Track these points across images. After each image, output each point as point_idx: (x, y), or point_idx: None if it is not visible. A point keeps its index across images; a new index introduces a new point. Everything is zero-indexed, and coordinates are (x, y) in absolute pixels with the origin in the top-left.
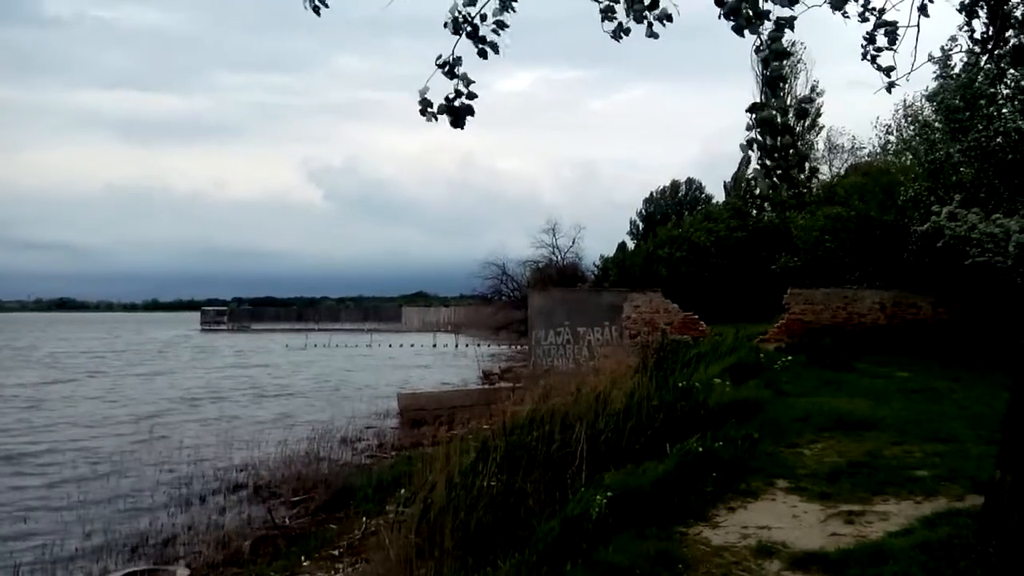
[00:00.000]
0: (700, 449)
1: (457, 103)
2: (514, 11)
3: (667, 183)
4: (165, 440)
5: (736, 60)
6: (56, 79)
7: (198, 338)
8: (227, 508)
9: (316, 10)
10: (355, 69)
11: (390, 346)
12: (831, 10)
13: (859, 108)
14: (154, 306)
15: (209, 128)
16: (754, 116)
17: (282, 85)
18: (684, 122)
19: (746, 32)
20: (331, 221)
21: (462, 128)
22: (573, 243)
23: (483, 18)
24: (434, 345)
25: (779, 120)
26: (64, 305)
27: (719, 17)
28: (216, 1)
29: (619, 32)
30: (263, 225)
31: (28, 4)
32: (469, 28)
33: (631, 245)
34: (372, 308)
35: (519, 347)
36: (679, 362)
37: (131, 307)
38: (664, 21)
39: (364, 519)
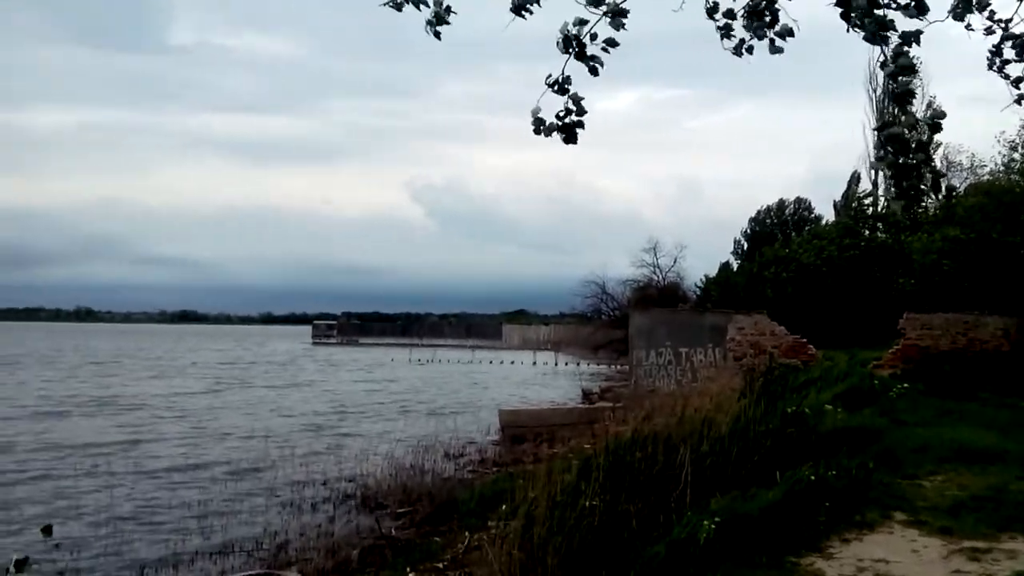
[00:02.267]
0: (812, 477)
1: (568, 120)
2: (625, 29)
3: (772, 202)
4: (285, 447)
5: (842, 76)
6: (179, 104)
7: (316, 351)
8: (336, 517)
9: (437, 35)
10: (457, 92)
11: (491, 363)
12: (953, 20)
13: (976, 125)
14: (269, 319)
15: (319, 149)
16: (882, 134)
17: (388, 108)
18: (789, 140)
19: (853, 43)
20: (434, 239)
21: (575, 143)
22: (674, 262)
23: (593, 37)
24: (534, 363)
25: (909, 137)
26: (186, 317)
27: (848, 30)
28: (328, 29)
29: (740, 48)
30: (370, 242)
31: (155, 34)
32: (578, 47)
33: (735, 265)
34: (474, 324)
35: (619, 366)
36: (788, 387)
37: (247, 319)
38: (786, 37)
39: (467, 533)
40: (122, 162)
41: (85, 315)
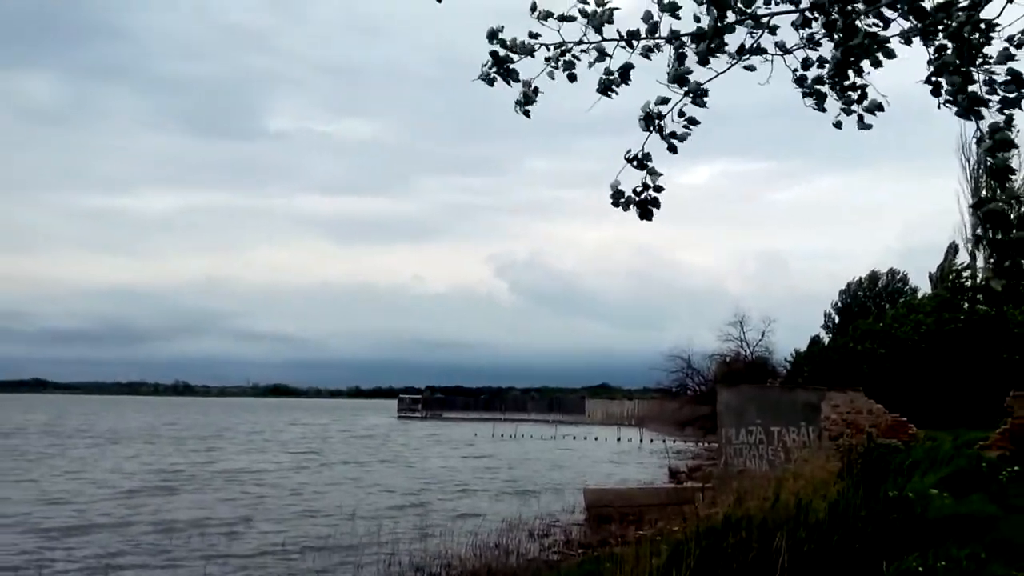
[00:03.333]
0: (920, 568)
1: (645, 195)
2: (706, 106)
3: (863, 274)
4: (373, 524)
5: (933, 143)
6: (278, 186)
7: (402, 426)
8: None
9: (527, 113)
10: (540, 168)
11: (574, 438)
12: None
13: None
14: (356, 392)
15: (409, 227)
16: (980, 211)
17: (474, 186)
18: (877, 210)
19: (944, 111)
20: (516, 313)
21: (650, 219)
22: (762, 336)
23: (680, 115)
24: (618, 439)
25: (1009, 213)
26: (277, 390)
27: (939, 107)
28: (419, 113)
29: (821, 105)
30: (454, 317)
31: (257, 121)
32: (659, 124)
33: (826, 339)
34: (556, 399)
35: (707, 444)
36: (889, 469)
37: (336, 393)
38: (875, 112)
39: None
40: (223, 242)
41: (183, 389)
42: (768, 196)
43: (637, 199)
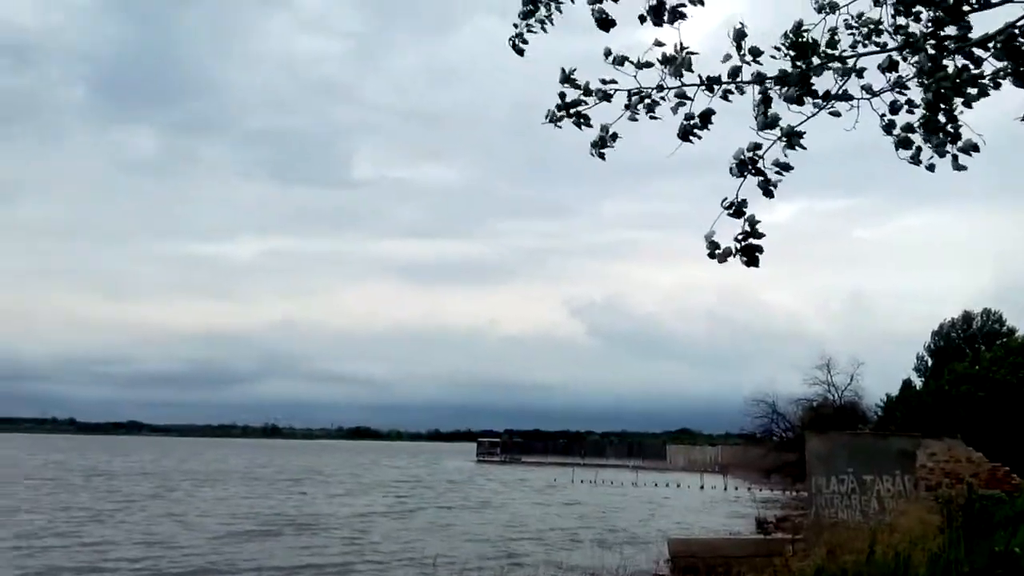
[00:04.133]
0: None
1: (747, 243)
2: (803, 147)
3: (957, 314)
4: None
5: None
6: (360, 231)
7: (482, 470)
8: None
9: (602, 156)
10: (615, 209)
11: (655, 485)
12: None
13: None
14: (436, 436)
15: (485, 270)
16: None
17: (549, 228)
18: (970, 248)
19: None
20: (594, 356)
21: (756, 267)
22: (851, 380)
23: (776, 164)
24: (701, 486)
25: None
26: (359, 433)
27: None
28: (495, 158)
29: (918, 157)
30: (531, 360)
31: (340, 169)
32: (753, 169)
33: (918, 383)
34: (636, 444)
35: (795, 493)
36: (992, 523)
37: (416, 436)
38: (971, 152)
39: None
40: (307, 285)
41: (271, 431)
42: (852, 234)
43: (739, 247)
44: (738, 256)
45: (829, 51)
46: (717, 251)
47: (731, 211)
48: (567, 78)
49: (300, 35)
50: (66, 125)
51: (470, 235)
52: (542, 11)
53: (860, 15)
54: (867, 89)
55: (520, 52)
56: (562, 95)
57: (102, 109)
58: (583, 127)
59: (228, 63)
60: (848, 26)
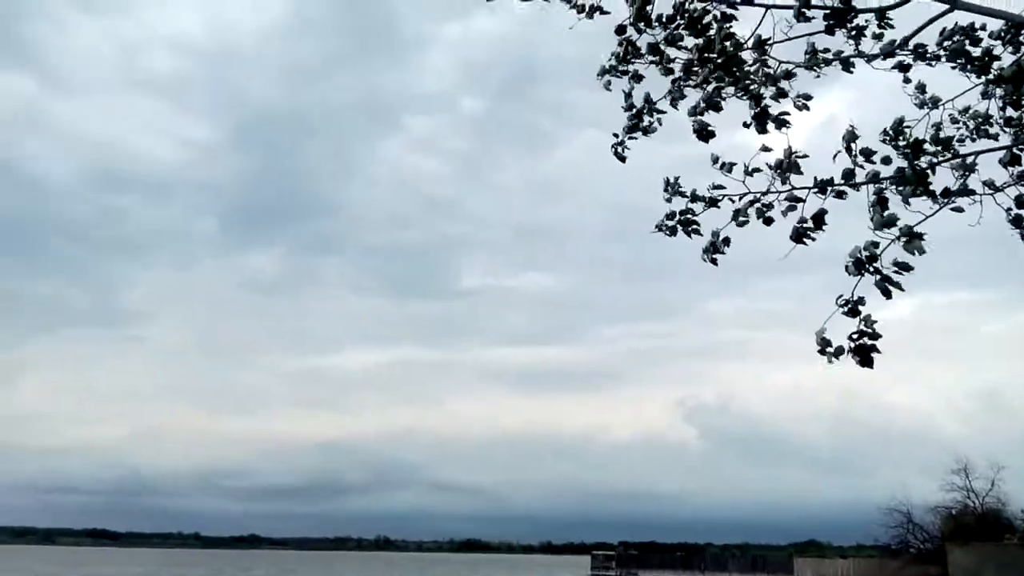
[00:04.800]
0: None
1: (863, 342)
2: (922, 251)
3: None
4: None
5: None
6: (470, 340)
7: None
8: None
9: (714, 261)
10: (722, 311)
11: None
12: None
13: None
14: (548, 548)
15: (592, 376)
16: None
17: (656, 331)
18: None
19: None
20: (708, 462)
21: (870, 367)
22: (992, 486)
23: (899, 265)
24: None
25: None
26: (470, 545)
27: None
28: (597, 263)
29: None
30: (643, 467)
31: (447, 282)
32: (871, 269)
33: None
34: (760, 557)
35: None
36: None
37: (528, 548)
38: None
39: None
40: (418, 395)
41: (384, 544)
42: (980, 328)
43: (854, 346)
44: (851, 355)
45: (936, 147)
46: (828, 349)
47: (847, 310)
48: (673, 188)
49: (412, 156)
50: (198, 251)
51: (577, 341)
52: (645, 121)
53: (966, 109)
54: (990, 184)
55: (622, 159)
56: (672, 215)
57: (231, 235)
58: (692, 236)
59: (346, 185)
60: (954, 120)
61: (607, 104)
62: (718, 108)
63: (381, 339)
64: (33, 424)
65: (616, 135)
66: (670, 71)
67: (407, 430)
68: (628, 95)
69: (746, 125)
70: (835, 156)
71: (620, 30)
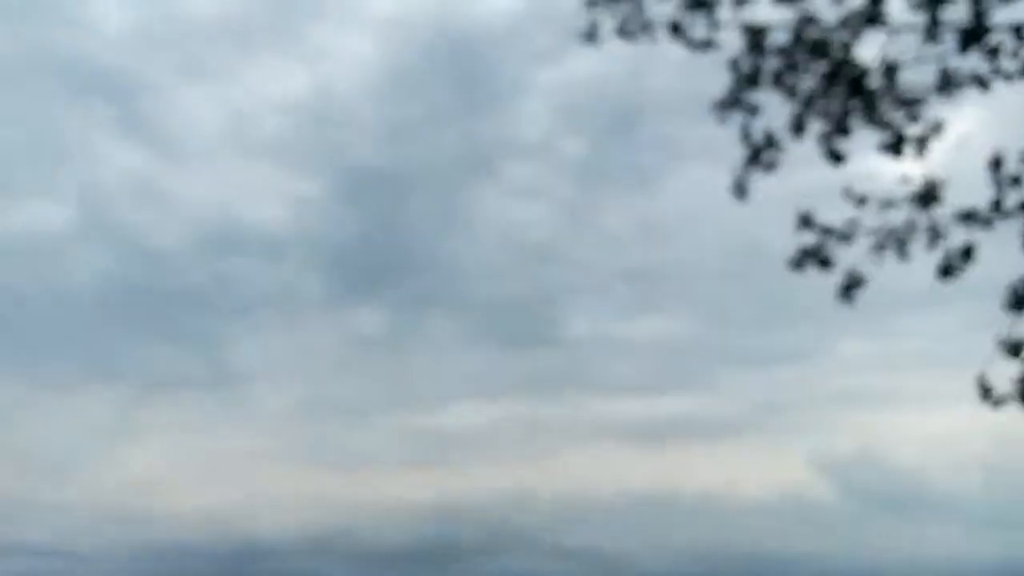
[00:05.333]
0: None
1: None
2: None
3: None
4: None
5: None
6: (579, 391)
7: None
8: None
9: (850, 299)
10: (858, 353)
11: None
12: None
13: None
14: None
15: (716, 426)
16: None
17: (784, 378)
18: None
19: None
20: (848, 520)
21: None
22: None
23: None
24: None
25: None
26: None
27: None
28: (716, 307)
29: None
30: (775, 527)
31: (556, 330)
32: None
33: None
34: None
35: None
36: None
37: None
38: None
39: None
40: (530, 451)
41: None
42: None
43: (1020, 390)
44: (1018, 400)
45: None
46: (990, 396)
47: (1008, 350)
48: (803, 223)
49: (513, 204)
50: (304, 310)
51: (697, 389)
52: (765, 158)
53: None
54: None
55: (742, 195)
56: (803, 250)
57: (336, 292)
58: (826, 269)
59: (447, 237)
60: None
61: (716, 137)
62: (847, 131)
63: (489, 393)
64: (151, 488)
65: (734, 173)
66: (792, 96)
67: (519, 489)
68: (745, 130)
69: (881, 149)
70: (978, 185)
71: (734, 64)
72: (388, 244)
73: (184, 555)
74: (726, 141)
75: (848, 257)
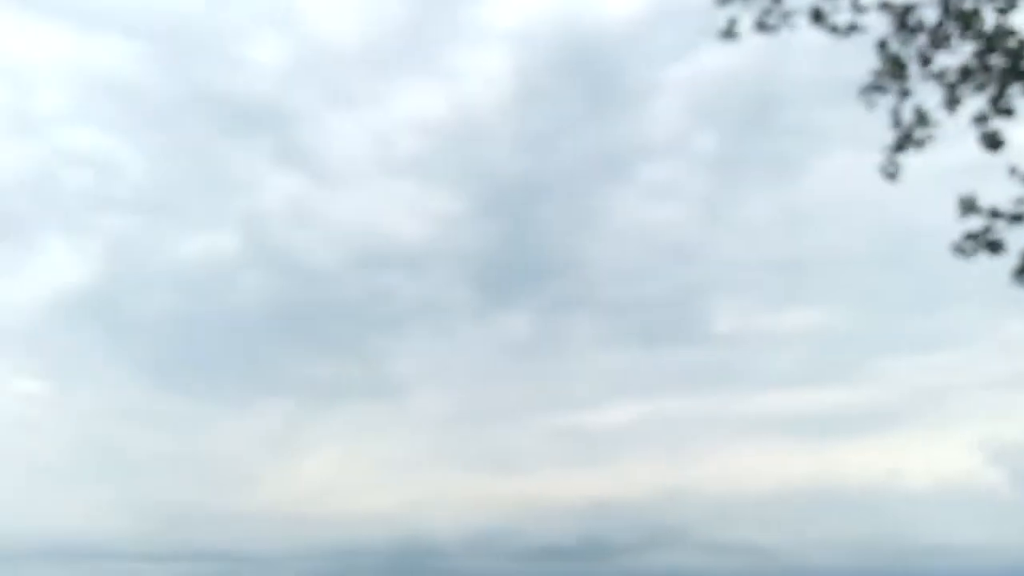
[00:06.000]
0: None
1: None
2: None
3: None
4: None
5: None
6: (729, 387)
7: None
8: None
9: None
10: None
11: None
12: None
13: None
14: None
15: (875, 417)
16: None
17: (946, 363)
18: None
19: None
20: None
21: None
22: None
23: None
24: None
25: None
26: None
27: None
28: (869, 294)
29: None
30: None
31: (702, 327)
32: None
33: None
34: None
35: None
36: None
37: None
38: None
39: None
40: (679, 449)
41: None
42: None
43: None
44: None
45: None
46: None
47: None
48: (967, 206)
49: (649, 204)
50: (453, 319)
51: (854, 379)
52: (917, 135)
53: None
54: None
55: (892, 178)
56: (970, 233)
57: (482, 300)
58: (996, 253)
59: (586, 242)
60: None
61: (861, 122)
62: (1010, 112)
63: (638, 393)
64: (323, 494)
65: (882, 155)
66: (942, 77)
67: (674, 486)
68: (895, 112)
69: None
70: None
71: (882, 44)
72: (529, 251)
73: (355, 555)
74: (872, 125)
75: (1018, 239)
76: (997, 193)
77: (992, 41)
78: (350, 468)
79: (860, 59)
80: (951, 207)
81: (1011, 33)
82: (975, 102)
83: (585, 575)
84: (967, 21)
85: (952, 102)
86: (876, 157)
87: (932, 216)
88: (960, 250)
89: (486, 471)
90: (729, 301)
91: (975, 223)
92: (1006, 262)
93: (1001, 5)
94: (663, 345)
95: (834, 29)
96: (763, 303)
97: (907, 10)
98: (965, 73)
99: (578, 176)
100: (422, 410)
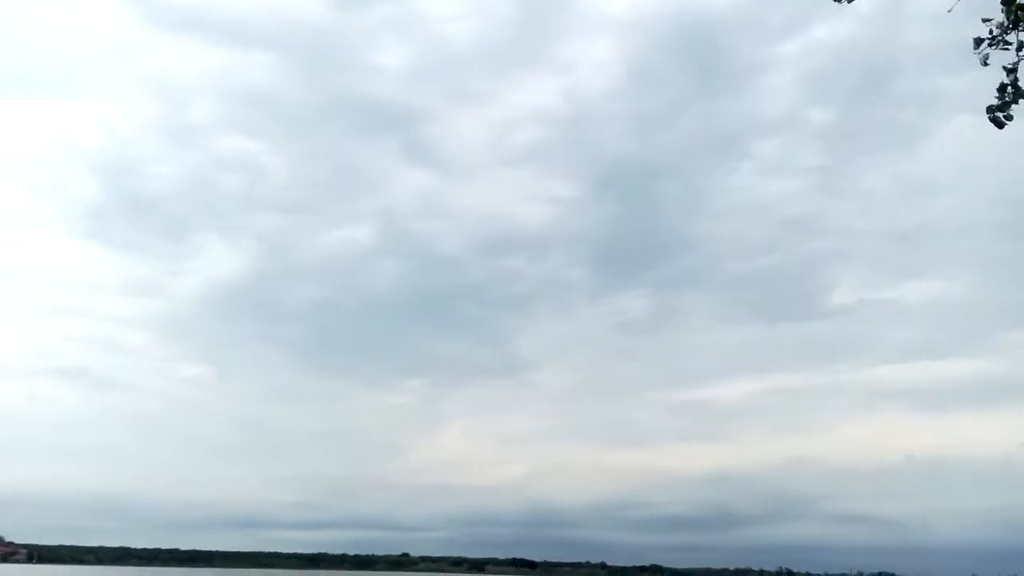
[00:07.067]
0: None
1: None
2: None
3: None
4: None
5: None
6: (849, 360)
7: None
8: None
9: None
10: None
11: None
12: None
13: None
14: None
15: (1002, 388)
16: None
17: None
18: None
19: None
20: None
21: None
22: None
23: None
24: None
25: None
26: None
27: None
28: (992, 263)
29: None
30: None
31: (820, 301)
32: None
33: None
34: None
35: None
36: None
37: None
38: None
39: None
40: (801, 422)
41: (787, 575)
42: None
43: None
44: None
45: None
46: None
47: None
48: None
49: (764, 179)
50: (574, 299)
51: (979, 351)
52: None
53: None
54: None
55: (1000, 125)
56: None
57: (600, 281)
58: None
59: (702, 219)
60: None
61: (980, 85)
62: None
63: (756, 367)
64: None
65: (991, 106)
66: None
67: (798, 458)
68: (1011, 69)
69: None
70: None
71: None
72: (645, 231)
73: (488, 523)
74: (993, 89)
75: None
76: None
77: None
78: (482, 442)
79: (978, 21)
80: None
81: None
82: None
83: (713, 545)
84: None
85: None
86: (990, 123)
87: None
88: None
89: (610, 445)
90: (847, 273)
91: None
92: None
93: None
94: (781, 319)
95: None
96: (882, 275)
97: None
98: None
99: (692, 155)
100: (547, 386)
